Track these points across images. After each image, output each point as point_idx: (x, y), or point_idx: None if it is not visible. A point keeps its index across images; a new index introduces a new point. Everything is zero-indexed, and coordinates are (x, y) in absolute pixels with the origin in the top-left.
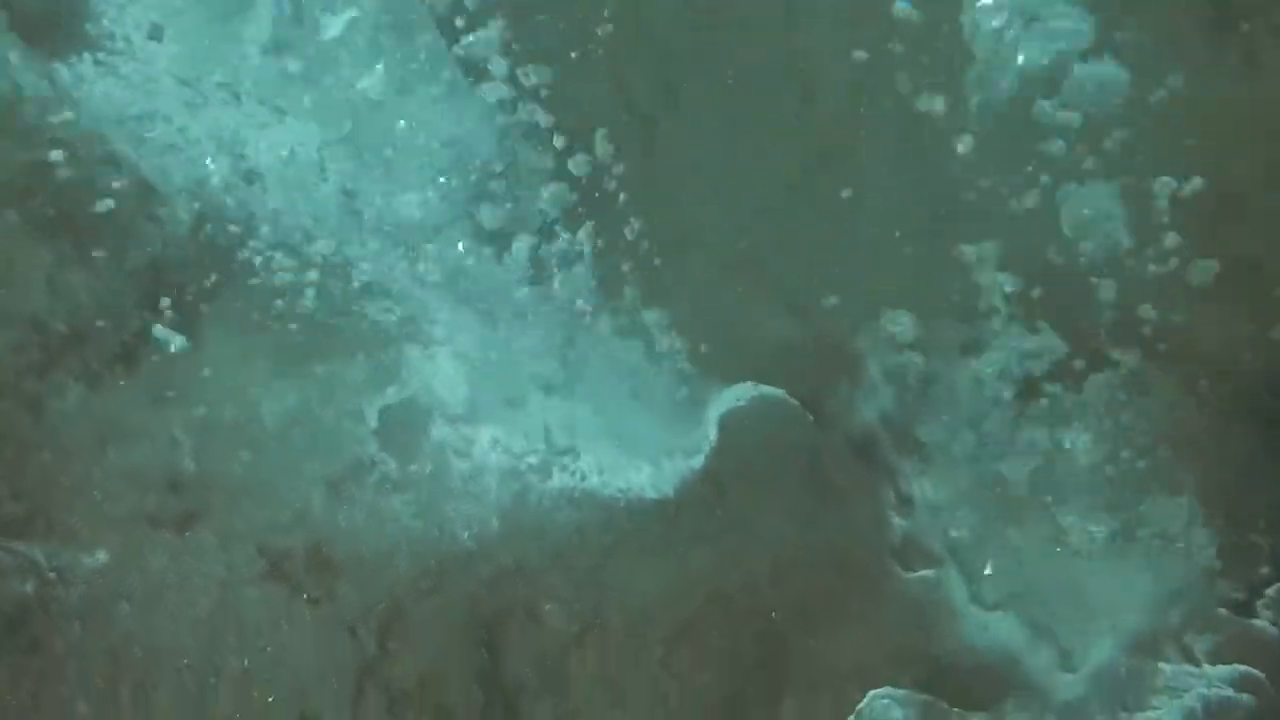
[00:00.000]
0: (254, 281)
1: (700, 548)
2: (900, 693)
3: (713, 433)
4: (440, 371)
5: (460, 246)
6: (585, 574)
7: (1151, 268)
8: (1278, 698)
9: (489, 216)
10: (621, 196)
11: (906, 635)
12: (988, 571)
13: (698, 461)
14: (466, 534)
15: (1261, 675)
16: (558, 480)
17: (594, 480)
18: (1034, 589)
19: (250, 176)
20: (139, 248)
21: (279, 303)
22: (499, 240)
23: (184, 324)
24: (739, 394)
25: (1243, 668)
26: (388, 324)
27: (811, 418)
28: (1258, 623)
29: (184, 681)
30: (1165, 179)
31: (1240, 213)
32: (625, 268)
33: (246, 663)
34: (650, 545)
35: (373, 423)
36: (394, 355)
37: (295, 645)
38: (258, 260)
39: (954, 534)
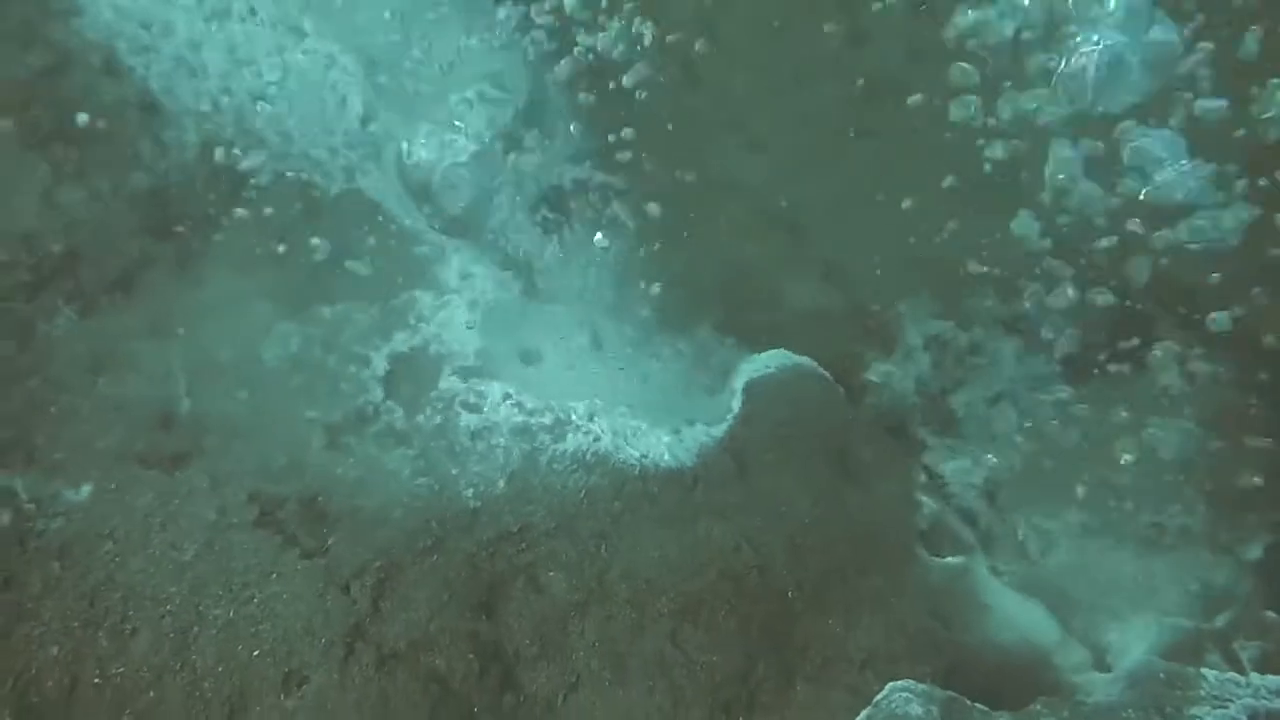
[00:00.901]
0: (262, 214)
1: (716, 520)
2: (921, 687)
3: (737, 401)
4: (453, 320)
5: (483, 188)
6: (592, 541)
7: (1214, 247)
8: None
9: (513, 156)
10: (654, 144)
11: (929, 624)
12: (1021, 561)
13: (720, 431)
14: (470, 492)
15: None
16: (570, 441)
17: (607, 444)
18: (1070, 583)
19: (264, 100)
20: (141, 170)
21: (287, 238)
22: (523, 184)
23: (187, 255)
24: (768, 361)
25: None
26: (401, 267)
27: (842, 390)
28: None
29: (164, 628)
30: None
31: None
32: (654, 221)
33: (232, 613)
34: (663, 515)
35: (380, 369)
36: (406, 300)
37: (284, 598)
38: (267, 191)
39: (987, 519)
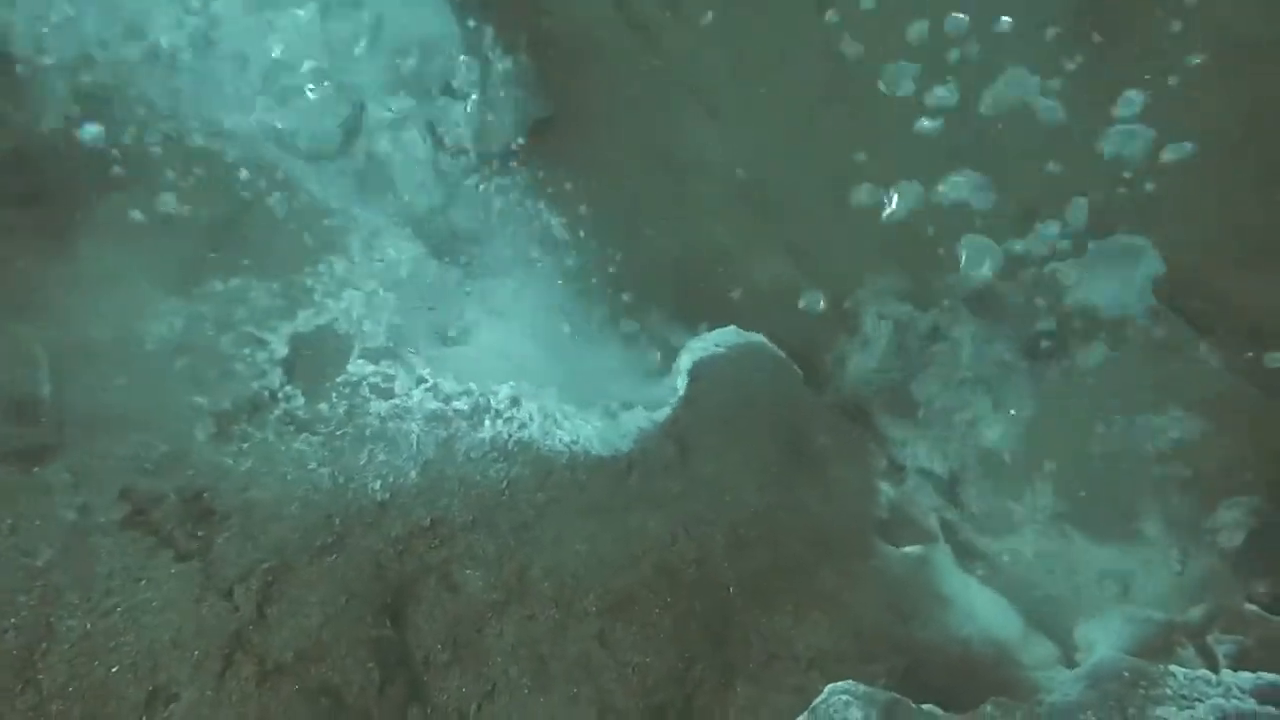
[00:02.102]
0: (144, 179)
1: (651, 510)
2: (862, 689)
3: (682, 382)
4: (364, 297)
5: (407, 152)
6: (513, 535)
7: (1192, 226)
8: None
9: (445, 120)
10: (610, 115)
11: (884, 619)
12: (985, 550)
13: (661, 415)
14: (378, 484)
15: None
16: (490, 428)
17: (533, 430)
18: (1037, 573)
19: (153, 56)
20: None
21: (174, 207)
22: (453, 150)
23: (55, 224)
24: (717, 340)
25: (1269, 676)
26: (306, 238)
27: (800, 371)
28: None
29: (6, 644)
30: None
31: None
32: (604, 195)
33: (90, 625)
34: (592, 505)
35: (279, 351)
36: (310, 275)
37: (153, 606)
38: (150, 155)
39: (949, 508)
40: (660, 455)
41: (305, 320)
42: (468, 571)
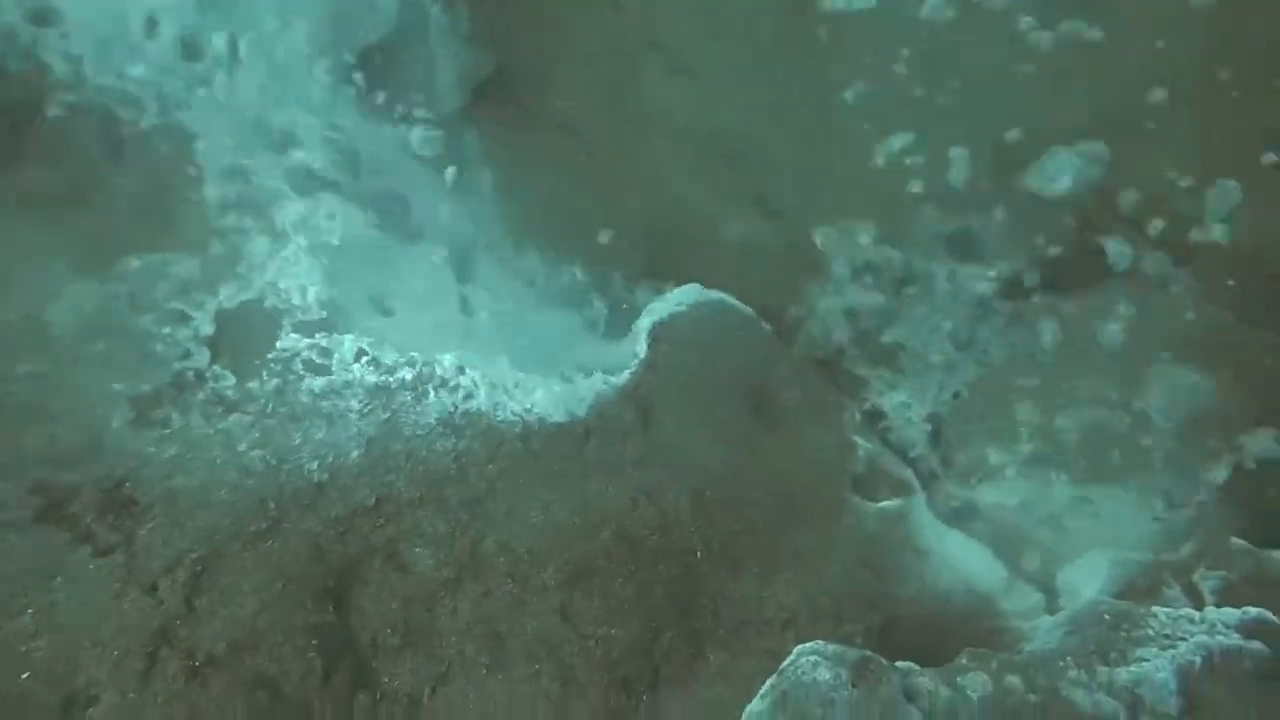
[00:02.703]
0: (52, 150)
1: (611, 477)
2: (833, 649)
3: (643, 345)
4: (293, 267)
5: (339, 113)
6: (463, 509)
7: (1168, 154)
8: None
9: (380, 78)
10: (567, 67)
11: (860, 576)
12: (964, 499)
13: (621, 379)
14: (315, 465)
15: (1276, 619)
16: (436, 400)
17: (481, 400)
18: (1019, 519)
19: (44, 17)
20: None
21: (83, 175)
22: (390, 110)
23: None
24: (681, 298)
25: (1254, 610)
26: (228, 209)
27: (767, 326)
28: (1276, 554)
29: None
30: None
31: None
32: (559, 150)
33: None
34: (548, 475)
35: (204, 329)
36: (233, 247)
37: (69, 606)
38: (59, 125)
39: (928, 457)
40: (620, 421)
41: (229, 295)
42: (417, 550)
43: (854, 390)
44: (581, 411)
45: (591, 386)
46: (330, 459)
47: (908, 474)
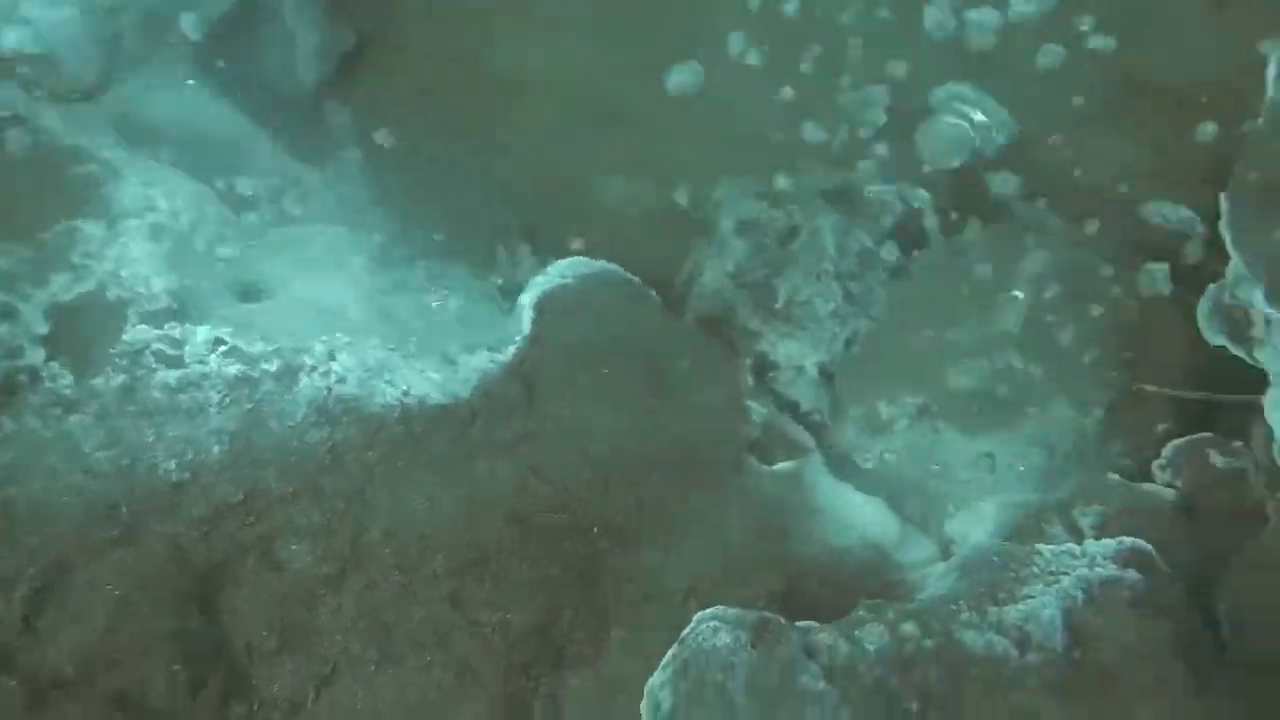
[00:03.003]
0: None
1: (499, 457)
2: (732, 613)
3: (527, 320)
4: (136, 254)
5: (187, 89)
6: (342, 500)
7: (1039, 102)
8: (1168, 571)
9: (234, 55)
10: (424, 36)
11: (760, 542)
12: (859, 455)
13: (506, 356)
14: (173, 464)
15: (1150, 548)
16: (305, 387)
17: (355, 385)
18: (911, 471)
19: None
20: None
21: None
22: (241, 86)
23: None
24: (563, 271)
25: (1129, 540)
26: (55, 190)
27: (655, 294)
28: (1151, 487)
29: None
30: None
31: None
32: (425, 123)
33: None
34: (432, 460)
35: (36, 326)
36: (65, 234)
37: None
38: None
39: (822, 414)
40: (506, 398)
41: (63, 286)
42: (293, 547)
43: (746, 352)
44: (465, 392)
45: (475, 365)
46: (189, 456)
47: (802, 434)
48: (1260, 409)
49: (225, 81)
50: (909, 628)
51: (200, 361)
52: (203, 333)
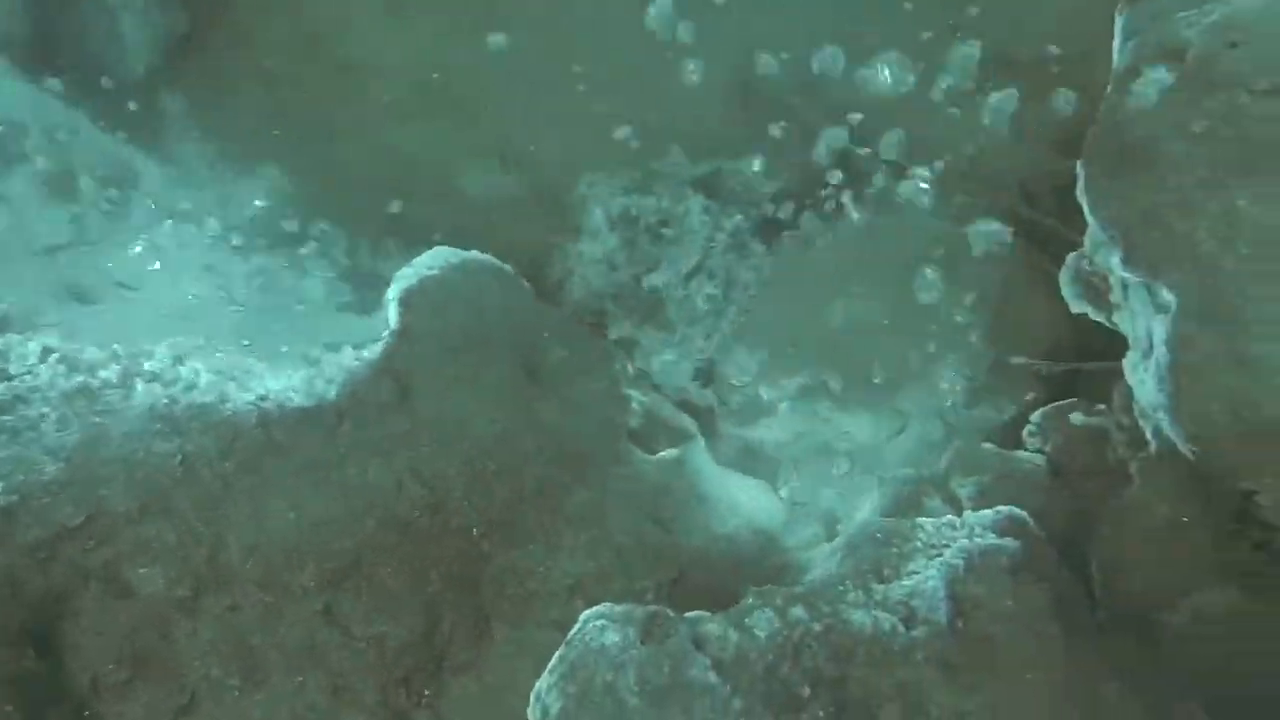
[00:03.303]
0: None
1: (371, 460)
2: (619, 609)
3: (394, 315)
4: None
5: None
6: (197, 516)
7: (894, 79)
8: (1042, 535)
9: (58, 43)
10: (263, 19)
11: (646, 533)
12: (741, 439)
13: (373, 353)
14: (1, 487)
15: (1025, 514)
16: (150, 396)
17: (206, 391)
18: (793, 453)
19: None
20: None
21: None
22: (66, 77)
23: None
24: (430, 262)
25: (1005, 509)
26: None
27: (527, 283)
28: (1023, 454)
29: None
30: None
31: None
32: (271, 110)
33: None
34: (298, 466)
35: None
36: None
37: None
38: None
39: (703, 401)
40: (376, 397)
41: None
42: (142, 570)
43: (623, 340)
44: (331, 393)
45: (340, 364)
46: (19, 478)
47: (684, 421)
48: (1121, 373)
49: (48, 69)
50: (798, 611)
51: (28, 374)
52: (32, 343)
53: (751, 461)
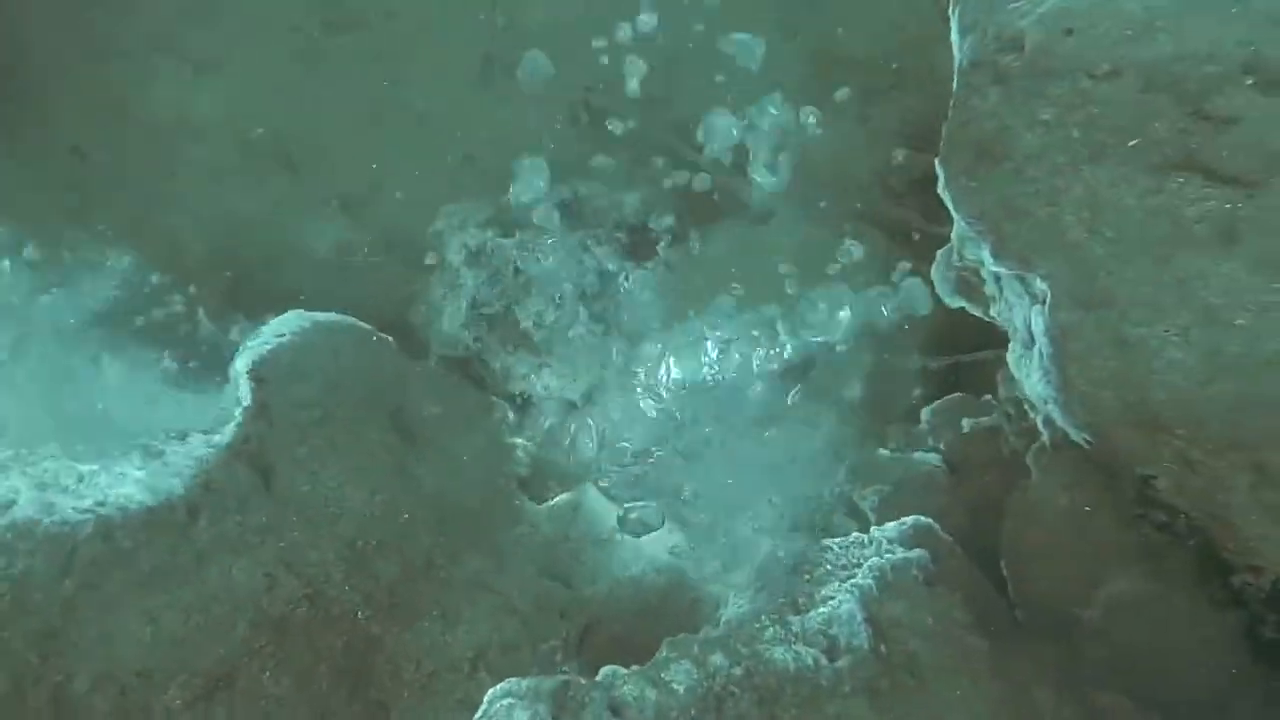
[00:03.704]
0: None
1: (236, 557)
2: (526, 684)
3: (246, 390)
4: None
5: None
6: (33, 650)
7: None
8: (949, 539)
9: None
10: (56, 74)
11: (545, 589)
12: (632, 475)
13: (225, 435)
14: None
15: (931, 521)
16: None
17: (29, 505)
18: (689, 484)
19: None
20: None
21: None
22: None
23: None
24: (279, 328)
25: (910, 519)
26: None
27: (390, 339)
28: (919, 455)
29: None
30: None
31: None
32: (75, 176)
33: None
34: (149, 575)
35: None
36: None
37: None
38: None
39: (587, 440)
40: (234, 486)
41: None
42: None
43: (497, 385)
44: (180, 487)
45: (188, 453)
46: None
47: (571, 462)
48: (1002, 361)
49: None
50: (716, 659)
51: None
52: None
53: (645, 497)
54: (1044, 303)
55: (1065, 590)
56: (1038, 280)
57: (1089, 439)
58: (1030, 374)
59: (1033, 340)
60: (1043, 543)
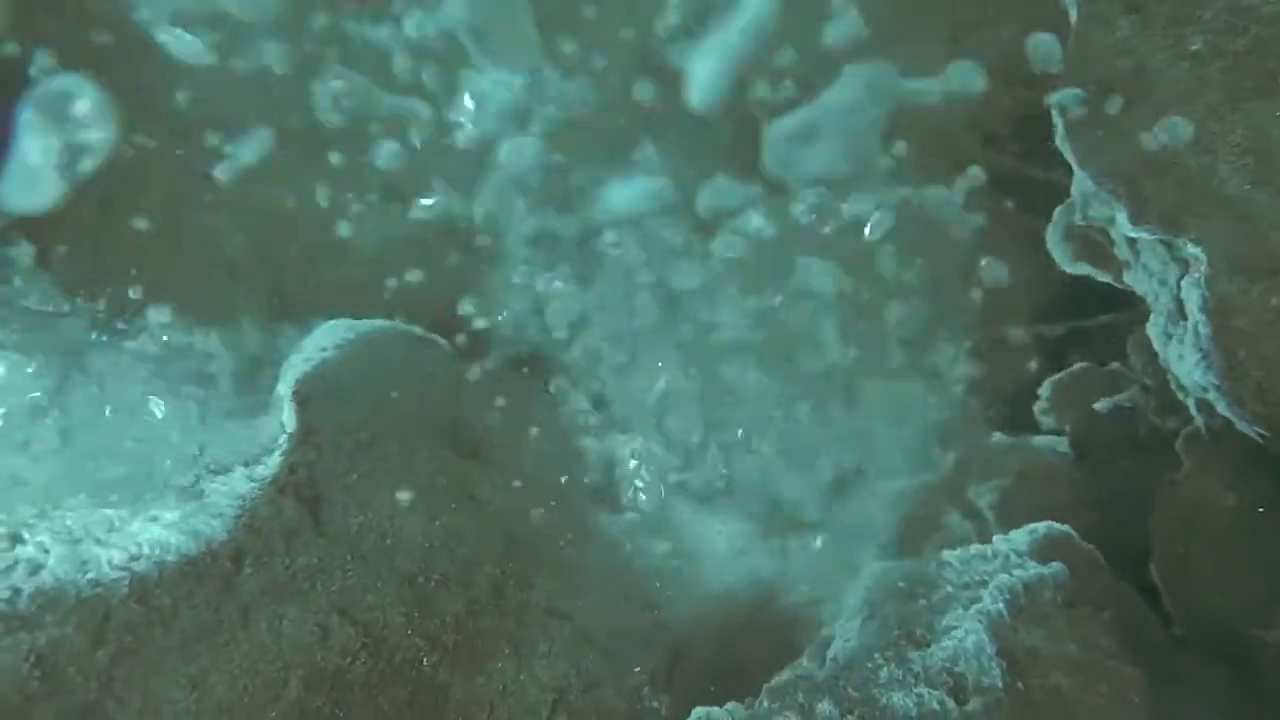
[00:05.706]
0: None
1: (286, 606)
2: None
3: (289, 414)
4: None
5: None
6: None
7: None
8: (1089, 549)
9: None
10: None
11: (626, 615)
12: (716, 480)
13: (269, 467)
14: None
15: (1068, 530)
16: None
17: (57, 567)
18: (779, 481)
19: None
20: None
21: None
22: None
23: None
24: (323, 342)
25: (1042, 527)
26: None
27: (443, 341)
28: (1039, 440)
29: None
30: None
31: None
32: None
33: None
34: (191, 636)
35: None
36: None
37: None
38: None
39: (665, 439)
40: (280, 523)
41: None
42: None
43: (565, 385)
44: (222, 530)
45: (230, 491)
46: None
47: (654, 461)
48: (1129, 326)
49: None
50: (825, 708)
51: None
52: None
53: (728, 501)
54: (1197, 270)
55: (1238, 607)
56: (1188, 244)
57: (1264, 433)
58: (1183, 356)
59: (1182, 315)
60: (1207, 549)
